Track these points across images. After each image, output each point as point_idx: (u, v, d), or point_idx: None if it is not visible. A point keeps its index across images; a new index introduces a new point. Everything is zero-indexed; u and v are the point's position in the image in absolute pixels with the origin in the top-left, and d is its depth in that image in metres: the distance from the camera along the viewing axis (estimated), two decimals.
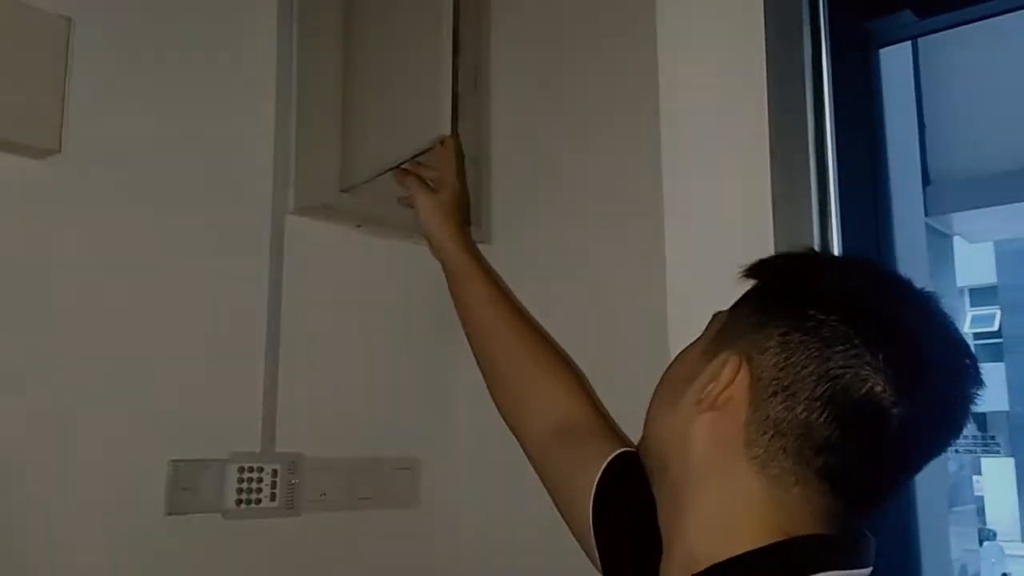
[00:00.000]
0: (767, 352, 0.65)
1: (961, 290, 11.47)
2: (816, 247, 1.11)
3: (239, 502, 1.19)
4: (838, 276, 0.70)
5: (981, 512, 9.93)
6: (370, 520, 1.36)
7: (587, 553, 0.91)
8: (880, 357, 0.61)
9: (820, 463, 0.63)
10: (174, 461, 1.13)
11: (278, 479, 1.23)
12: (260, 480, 1.21)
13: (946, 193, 3.48)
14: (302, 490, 1.26)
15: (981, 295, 11.58)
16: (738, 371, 0.65)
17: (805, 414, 0.62)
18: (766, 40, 1.02)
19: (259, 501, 1.21)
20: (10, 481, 1.00)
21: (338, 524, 1.31)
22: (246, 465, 1.20)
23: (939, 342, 0.65)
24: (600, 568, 0.89)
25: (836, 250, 1.14)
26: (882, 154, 1.22)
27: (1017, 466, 11.04)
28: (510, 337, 1.12)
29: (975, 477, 10.35)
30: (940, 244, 3.74)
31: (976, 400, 0.67)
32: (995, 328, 11.30)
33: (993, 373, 11.00)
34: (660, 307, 1.15)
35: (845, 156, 1.14)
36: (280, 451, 1.24)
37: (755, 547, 0.63)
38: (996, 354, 11.39)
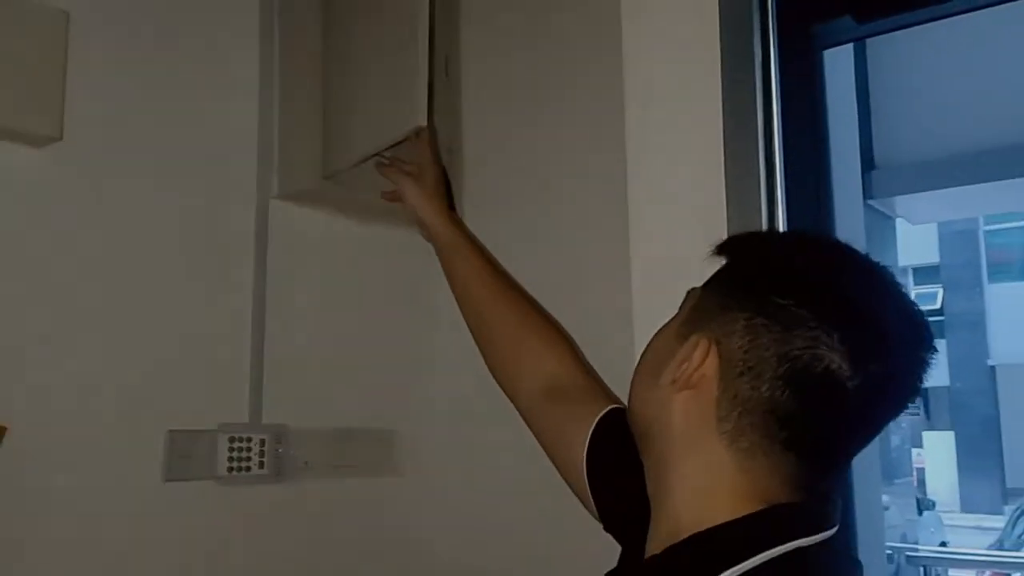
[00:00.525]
0: (734, 335, 0.70)
1: (905, 269, 11.79)
2: (764, 227, 1.21)
3: (231, 469, 1.26)
4: (798, 259, 0.75)
5: (922, 484, 10.30)
6: (349, 487, 1.44)
7: (585, 506, 0.98)
8: (836, 336, 0.67)
9: (785, 436, 0.69)
10: (171, 431, 1.20)
11: (266, 448, 1.31)
12: (249, 449, 1.29)
13: (889, 177, 3.63)
14: (287, 459, 1.34)
15: (925, 274, 11.93)
16: (707, 354, 0.71)
17: (769, 392, 0.68)
18: (721, 43, 1.12)
19: (249, 468, 1.28)
20: (22, 448, 1.06)
21: (320, 490, 1.39)
22: (236, 435, 1.28)
23: (894, 314, 0.71)
24: (598, 518, 0.96)
25: (781, 217, 1.24)
26: (824, 144, 1.32)
27: (957, 439, 11.46)
28: (501, 305, 1.18)
29: (916, 450, 10.72)
30: (883, 225, 3.90)
31: (930, 364, 0.72)
32: (937, 306, 11.67)
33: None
34: (625, 287, 1.23)
35: (791, 146, 1.23)
36: (267, 422, 1.32)
37: (731, 518, 0.69)
38: (938, 331, 11.75)
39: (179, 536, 1.21)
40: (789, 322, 0.68)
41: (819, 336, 0.67)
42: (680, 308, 0.80)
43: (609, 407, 0.99)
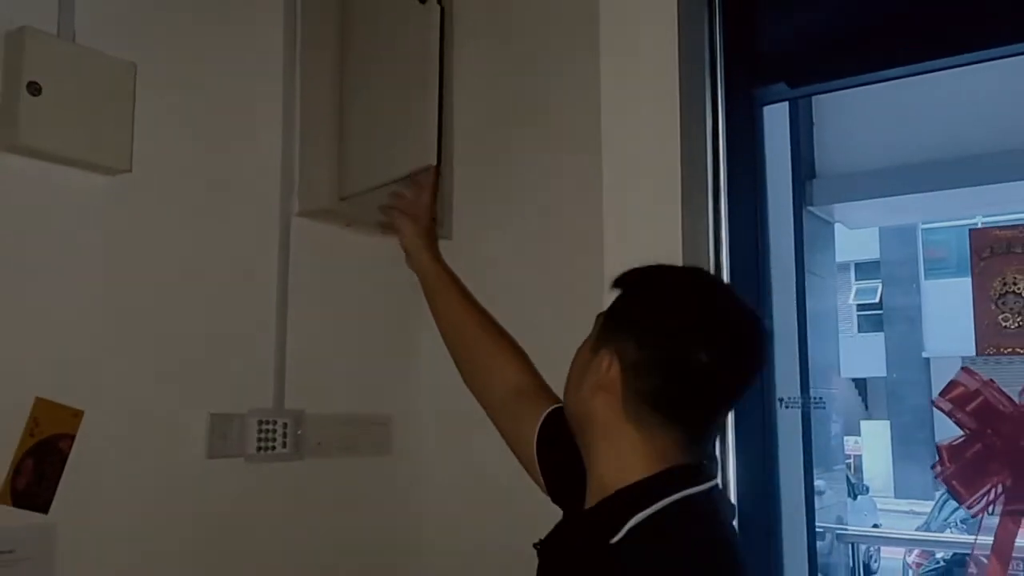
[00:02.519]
0: (628, 348, 0.98)
1: (847, 264, 12.20)
2: (710, 235, 1.46)
3: (259, 448, 1.48)
4: (666, 287, 1.05)
5: (859, 469, 10.72)
6: (353, 465, 1.66)
7: (535, 481, 1.25)
8: (697, 338, 0.96)
9: (672, 413, 0.98)
10: (212, 414, 1.41)
11: (288, 431, 1.53)
12: (274, 431, 1.51)
13: (828, 186, 3.90)
14: (305, 440, 1.56)
15: (866, 269, 12.32)
16: (611, 364, 0.99)
17: (657, 384, 0.97)
18: (680, 100, 1.37)
19: (274, 448, 1.50)
20: (93, 430, 1.27)
21: (331, 468, 1.61)
22: (263, 419, 1.49)
23: (736, 317, 1.01)
24: (546, 492, 1.23)
25: (724, 235, 1.48)
26: (762, 181, 1.58)
27: (892, 428, 11.93)
28: (474, 329, 1.44)
29: (854, 439, 11.16)
30: (823, 230, 4.16)
31: (766, 347, 1.04)
32: (876, 300, 12.11)
33: (873, 342, 11.82)
34: (598, 294, 1.46)
35: (734, 177, 1.49)
36: (288, 408, 1.54)
37: (642, 477, 0.97)
38: (877, 324, 12.20)
39: (219, 503, 1.43)
40: (663, 333, 0.97)
41: (685, 340, 0.96)
42: (592, 329, 1.08)
43: (552, 407, 1.25)
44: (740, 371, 1.01)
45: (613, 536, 0.92)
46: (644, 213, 1.41)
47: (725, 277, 1.42)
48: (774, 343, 1.56)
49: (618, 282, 1.07)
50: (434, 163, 1.39)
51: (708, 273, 1.07)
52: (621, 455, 0.99)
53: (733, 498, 1.30)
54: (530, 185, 1.70)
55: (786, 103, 1.66)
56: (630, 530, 0.92)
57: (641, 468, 0.97)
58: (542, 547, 1.05)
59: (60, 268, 1.27)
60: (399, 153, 1.45)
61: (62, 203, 1.27)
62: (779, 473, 1.51)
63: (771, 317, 1.56)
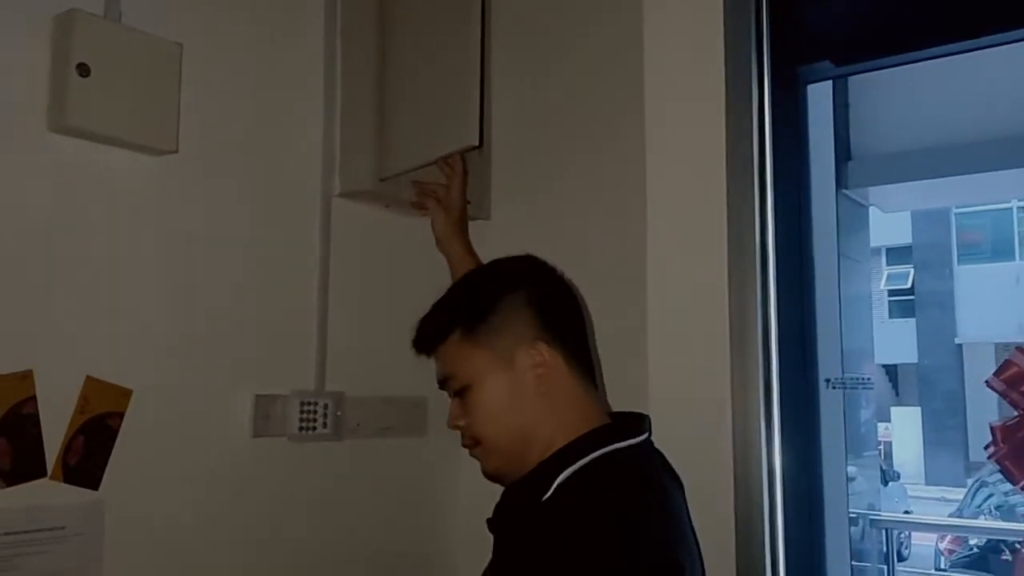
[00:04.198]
0: (501, 347, 1.03)
1: (879, 249, 12.10)
2: (756, 214, 1.44)
3: (301, 428, 1.49)
4: (493, 281, 1.12)
5: (889, 456, 10.68)
6: (390, 445, 1.68)
7: None
8: (527, 300, 1.04)
9: (566, 363, 1.04)
10: (257, 396, 1.43)
11: (328, 411, 1.54)
12: (315, 412, 1.52)
13: (864, 168, 3.86)
14: (344, 420, 1.57)
15: (898, 254, 12.23)
16: (538, 349, 1.03)
17: (531, 356, 1.02)
18: (725, 80, 1.35)
19: (315, 428, 1.51)
20: (143, 410, 1.29)
21: (369, 448, 1.63)
22: (305, 400, 1.50)
23: (545, 274, 1.10)
24: None
25: (770, 216, 1.46)
26: (805, 156, 1.56)
27: (923, 414, 11.84)
28: None
29: (885, 424, 11.09)
30: (858, 213, 4.13)
31: (571, 288, 1.12)
32: (908, 286, 12.00)
33: (904, 328, 11.73)
34: (640, 274, 1.45)
35: (779, 158, 1.47)
36: (328, 390, 1.55)
37: (571, 439, 1.00)
38: (908, 310, 12.11)
39: (263, 481, 1.45)
40: (507, 315, 1.04)
41: (521, 306, 1.04)
42: (451, 397, 1.10)
43: None
44: (568, 308, 1.09)
45: (544, 494, 0.97)
46: (688, 193, 1.40)
47: (770, 258, 1.41)
48: (815, 325, 1.54)
49: (423, 346, 1.12)
50: (476, 143, 1.39)
51: (526, 258, 1.15)
52: (551, 427, 1.02)
53: (778, 482, 1.30)
54: (571, 166, 1.69)
55: (829, 82, 1.64)
56: (558, 487, 0.96)
57: (572, 431, 1.01)
58: (491, 522, 1.07)
59: (108, 249, 1.28)
60: (440, 133, 1.45)
61: (110, 184, 1.28)
62: (822, 455, 1.50)
63: (813, 299, 1.54)
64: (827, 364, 1.59)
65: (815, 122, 1.59)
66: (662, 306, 1.40)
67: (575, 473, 0.96)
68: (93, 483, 1.25)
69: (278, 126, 1.51)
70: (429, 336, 1.10)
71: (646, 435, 1.06)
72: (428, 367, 1.76)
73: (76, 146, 1.23)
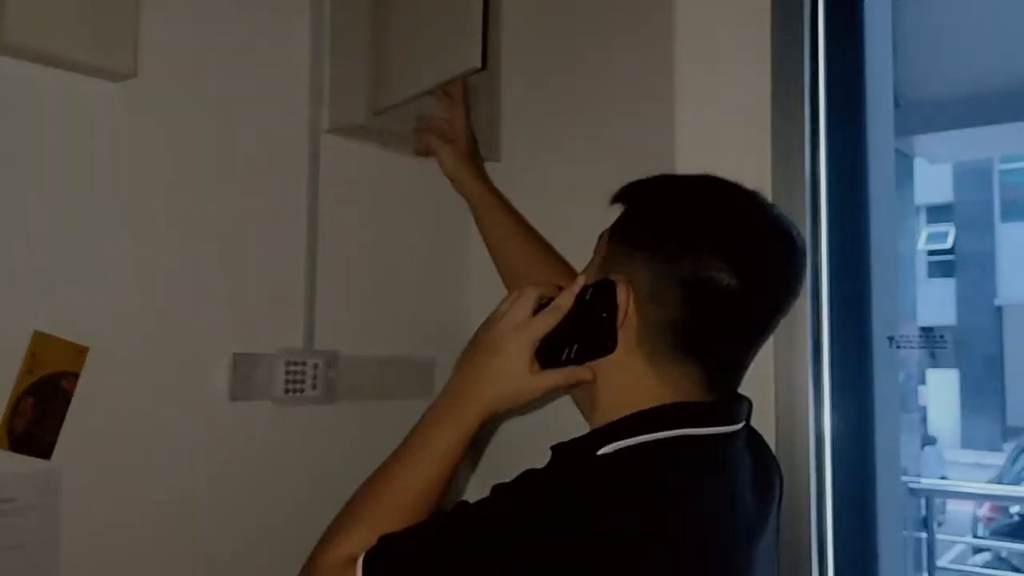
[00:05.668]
0: (640, 273, 0.85)
1: (918, 208, 11.77)
2: (807, 166, 1.26)
3: (287, 391, 1.34)
4: (680, 199, 0.90)
5: (924, 420, 10.47)
6: (392, 409, 1.51)
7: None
8: (719, 257, 0.81)
9: (689, 345, 0.84)
10: (236, 354, 1.27)
11: (318, 372, 1.38)
12: (303, 372, 1.37)
13: (911, 116, 3.63)
14: (338, 382, 1.42)
15: (937, 212, 11.90)
16: (627, 293, 0.85)
17: (674, 313, 0.83)
18: None
19: (303, 390, 1.36)
20: (101, 368, 1.14)
21: (367, 412, 1.47)
22: (292, 360, 1.35)
23: (767, 231, 0.86)
24: None
25: (823, 168, 1.28)
26: (862, 90, 1.36)
27: (960, 377, 11.60)
28: (521, 244, 1.37)
29: (920, 387, 10.84)
30: (903, 164, 3.91)
31: (801, 269, 0.87)
32: (948, 245, 11.67)
33: (943, 288, 11.43)
34: None
35: (833, 90, 1.28)
36: (319, 348, 1.39)
37: (642, 408, 0.84)
38: (948, 270, 11.80)
39: (243, 449, 1.30)
40: (679, 252, 0.83)
41: (705, 259, 0.82)
42: (595, 254, 0.92)
43: None
44: (772, 295, 0.86)
45: (599, 449, 0.83)
46: (725, 122, 1.22)
47: (822, 208, 1.22)
48: (870, 279, 1.35)
49: (620, 196, 0.93)
50: (479, 66, 1.22)
51: (731, 182, 0.90)
52: (629, 390, 0.87)
53: (827, 449, 1.13)
54: (589, 99, 1.51)
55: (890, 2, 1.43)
56: (616, 451, 0.82)
57: (647, 402, 0.85)
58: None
59: (60, 185, 1.12)
60: (440, 57, 1.28)
61: (60, 111, 1.12)
62: (876, 420, 1.34)
63: (870, 255, 1.36)
64: (880, 324, 1.41)
65: (872, 49, 1.39)
66: None
67: (635, 448, 0.82)
68: (45, 451, 1.11)
69: (258, 50, 1.33)
70: None
71: (741, 424, 0.88)
72: (434, 323, 1.62)
73: (15, 67, 1.07)
